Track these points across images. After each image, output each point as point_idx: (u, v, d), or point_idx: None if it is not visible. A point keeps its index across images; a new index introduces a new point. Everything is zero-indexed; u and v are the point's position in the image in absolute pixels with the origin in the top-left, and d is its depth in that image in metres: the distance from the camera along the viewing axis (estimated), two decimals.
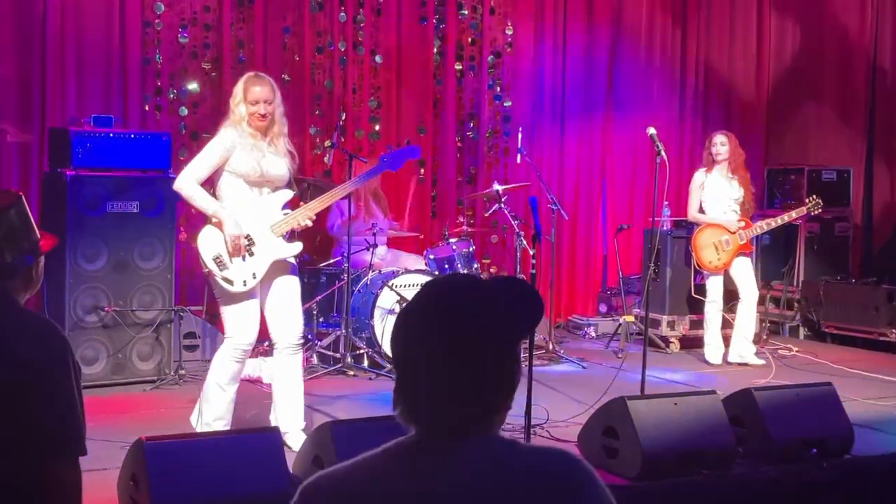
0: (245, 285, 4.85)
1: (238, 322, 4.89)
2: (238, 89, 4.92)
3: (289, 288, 5.02)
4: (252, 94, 4.87)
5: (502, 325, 1.73)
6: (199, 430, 4.91)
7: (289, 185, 5.04)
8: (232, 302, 4.89)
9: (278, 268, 4.97)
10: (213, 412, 4.91)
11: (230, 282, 4.83)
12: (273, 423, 5.01)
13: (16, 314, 2.61)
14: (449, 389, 1.67)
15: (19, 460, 2.50)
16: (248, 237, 4.87)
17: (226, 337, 4.98)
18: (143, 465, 3.68)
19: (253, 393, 6.13)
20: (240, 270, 4.85)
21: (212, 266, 4.84)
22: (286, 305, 4.99)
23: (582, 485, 1.65)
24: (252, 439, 4.08)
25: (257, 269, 4.88)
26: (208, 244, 4.86)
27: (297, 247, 5.02)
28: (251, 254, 4.87)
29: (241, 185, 4.89)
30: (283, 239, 4.96)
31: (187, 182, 4.85)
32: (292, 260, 5.08)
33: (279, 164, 4.95)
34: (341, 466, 1.72)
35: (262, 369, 6.57)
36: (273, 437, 4.02)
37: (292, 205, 5.11)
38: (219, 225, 4.84)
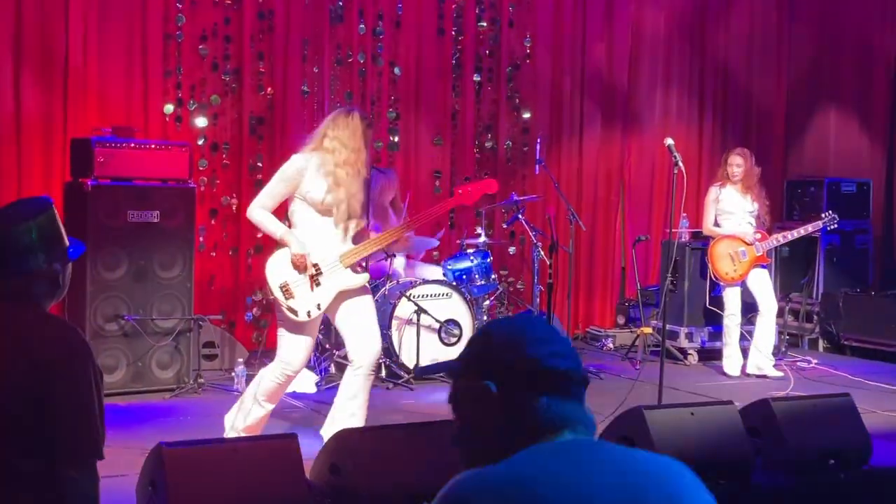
0: (309, 316, 4.84)
1: (292, 349, 4.89)
2: (358, 131, 4.83)
3: (366, 308, 4.98)
4: (368, 137, 4.87)
5: None
6: (228, 434, 4.97)
7: (361, 215, 4.97)
8: (291, 329, 4.88)
9: (350, 292, 4.94)
10: (246, 423, 4.95)
11: (294, 312, 4.82)
12: (322, 434, 4.96)
13: (38, 318, 2.64)
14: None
15: (36, 463, 2.52)
16: (315, 266, 4.84)
17: (277, 357, 4.96)
18: (162, 470, 3.70)
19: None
20: (305, 301, 4.83)
21: (278, 294, 4.83)
22: (366, 325, 4.94)
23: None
24: (270, 446, 4.09)
25: (322, 300, 4.86)
26: (276, 272, 4.85)
27: (364, 278, 4.99)
28: (318, 283, 4.84)
29: (313, 212, 4.86)
30: (351, 270, 4.92)
31: (256, 210, 4.87)
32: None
33: (361, 196, 4.90)
34: (495, 470, 1.66)
35: None
36: (290, 444, 4.04)
37: (362, 234, 5.05)
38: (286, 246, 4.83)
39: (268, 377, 4.94)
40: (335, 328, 5.12)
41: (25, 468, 2.54)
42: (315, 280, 4.84)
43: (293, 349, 4.89)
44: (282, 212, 5.03)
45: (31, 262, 2.65)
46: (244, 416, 4.97)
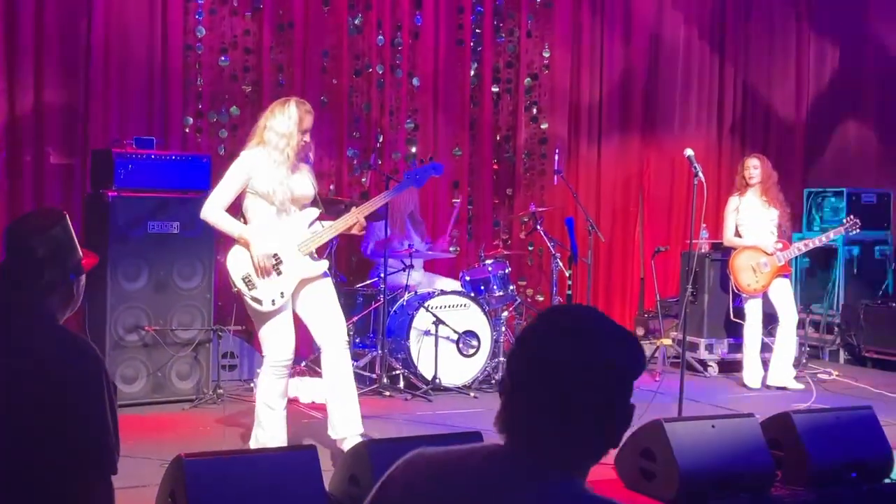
0: (273, 304, 4.93)
1: (272, 340, 4.97)
2: (292, 115, 4.94)
3: (324, 291, 5.08)
4: (305, 124, 4.97)
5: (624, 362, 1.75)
6: None
7: (314, 203, 5.12)
8: (264, 321, 4.97)
9: (308, 278, 5.05)
10: (267, 433, 5.00)
11: (259, 301, 4.92)
12: (332, 436, 5.05)
13: (51, 331, 2.63)
14: (560, 421, 1.67)
15: (49, 477, 2.51)
16: (275, 256, 4.95)
17: (264, 356, 5.05)
18: (182, 481, 3.71)
19: (290, 412, 6.15)
20: (268, 290, 4.93)
21: (241, 286, 4.94)
22: (325, 307, 5.05)
23: None
24: (289, 458, 4.10)
25: (285, 287, 4.96)
26: (237, 264, 4.96)
27: (323, 265, 5.11)
28: (279, 273, 4.96)
29: (266, 205, 4.97)
30: (310, 257, 5.04)
31: (212, 210, 4.96)
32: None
33: (304, 182, 5.04)
34: (442, 451, 1.78)
35: (298, 389, 6.60)
36: (310, 456, 4.04)
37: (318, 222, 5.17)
38: (246, 245, 4.93)
39: (266, 379, 5.03)
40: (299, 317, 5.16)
41: (39, 482, 2.53)
42: (276, 269, 4.95)
43: (273, 340, 4.97)
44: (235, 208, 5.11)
45: (45, 275, 2.65)
46: (262, 427, 5.02)
